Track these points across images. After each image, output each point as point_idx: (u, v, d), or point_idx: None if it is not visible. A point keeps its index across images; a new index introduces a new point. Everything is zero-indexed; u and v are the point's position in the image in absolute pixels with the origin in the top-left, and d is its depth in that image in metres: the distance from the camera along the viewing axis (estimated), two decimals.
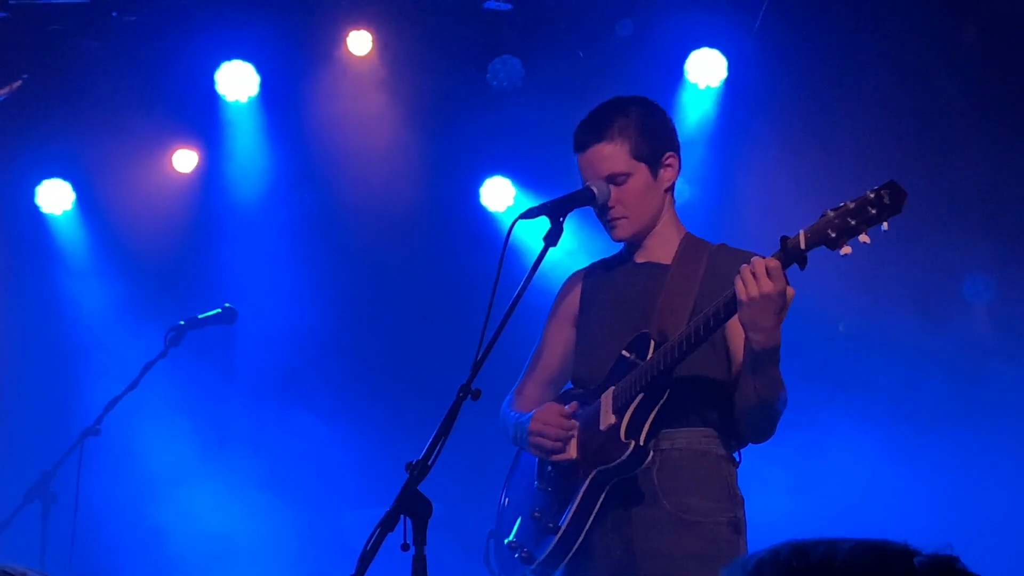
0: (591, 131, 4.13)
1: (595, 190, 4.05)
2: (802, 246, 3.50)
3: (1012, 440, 7.14)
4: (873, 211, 3.40)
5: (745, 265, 3.57)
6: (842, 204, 3.47)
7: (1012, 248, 7.50)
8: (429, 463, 3.38)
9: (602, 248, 4.45)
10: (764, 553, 1.71)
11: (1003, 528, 6.95)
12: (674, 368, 3.87)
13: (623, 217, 4.09)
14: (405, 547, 3.27)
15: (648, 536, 3.94)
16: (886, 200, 3.39)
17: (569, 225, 3.99)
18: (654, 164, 4.12)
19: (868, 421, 7.28)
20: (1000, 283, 7.53)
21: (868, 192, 3.43)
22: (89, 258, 8.24)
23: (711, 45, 7.71)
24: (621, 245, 4.29)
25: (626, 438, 3.91)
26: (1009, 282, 7.48)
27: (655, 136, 4.14)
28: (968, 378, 7.27)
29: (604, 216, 4.11)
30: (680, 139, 4.28)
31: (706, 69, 7.71)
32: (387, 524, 3.29)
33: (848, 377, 7.36)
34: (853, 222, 3.42)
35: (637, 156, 4.08)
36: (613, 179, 4.08)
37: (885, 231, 3.43)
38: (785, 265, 3.54)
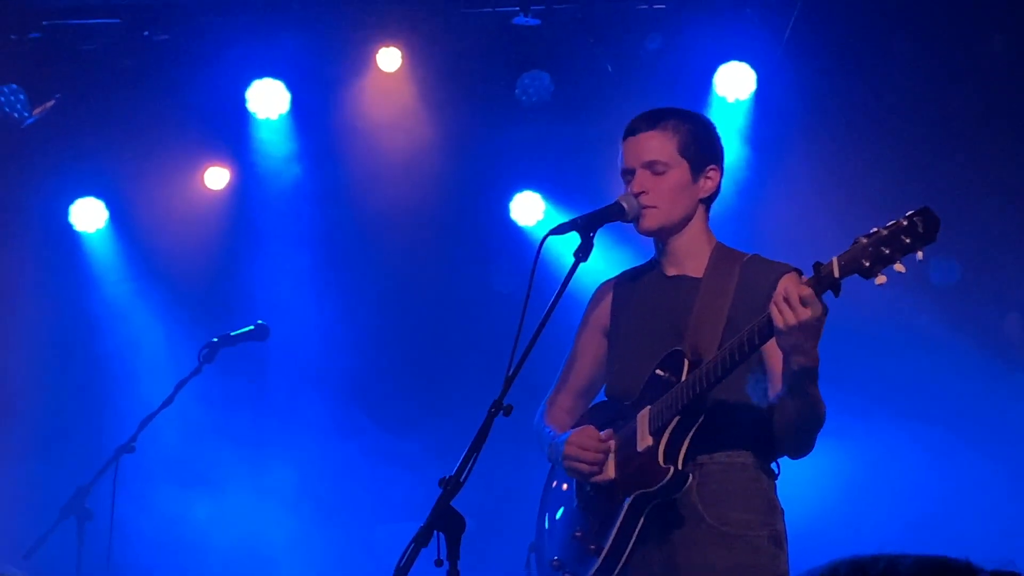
0: (646, 120, 4.17)
1: (625, 205, 4.06)
2: (836, 274, 3.45)
3: None
4: (907, 240, 3.34)
5: (779, 293, 3.54)
6: (875, 230, 3.40)
7: None
8: (462, 479, 3.39)
9: (633, 261, 4.44)
10: (823, 569, 1.69)
11: None
12: (710, 391, 3.87)
13: (653, 207, 4.08)
14: (439, 563, 3.29)
15: (691, 551, 3.94)
16: (920, 228, 3.33)
17: (599, 240, 3.99)
18: (697, 169, 4.13)
19: (910, 429, 7.25)
20: None
21: (901, 219, 3.37)
22: (122, 276, 8.29)
23: (740, 58, 7.71)
24: (652, 253, 4.28)
25: (665, 463, 3.90)
26: None
27: (705, 145, 4.17)
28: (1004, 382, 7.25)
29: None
30: None
31: (735, 82, 7.72)
32: (421, 539, 3.30)
33: (891, 383, 7.33)
34: (887, 251, 3.36)
35: (683, 154, 4.11)
36: (653, 166, 4.09)
37: (921, 260, 3.37)
38: (819, 293, 3.50)
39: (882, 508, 7.19)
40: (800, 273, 3.95)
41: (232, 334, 6.41)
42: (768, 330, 3.60)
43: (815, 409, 3.81)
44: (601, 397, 4.38)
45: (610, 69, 7.89)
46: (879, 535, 6.73)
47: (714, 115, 7.52)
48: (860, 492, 7.28)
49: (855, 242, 3.44)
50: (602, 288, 4.42)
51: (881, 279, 3.40)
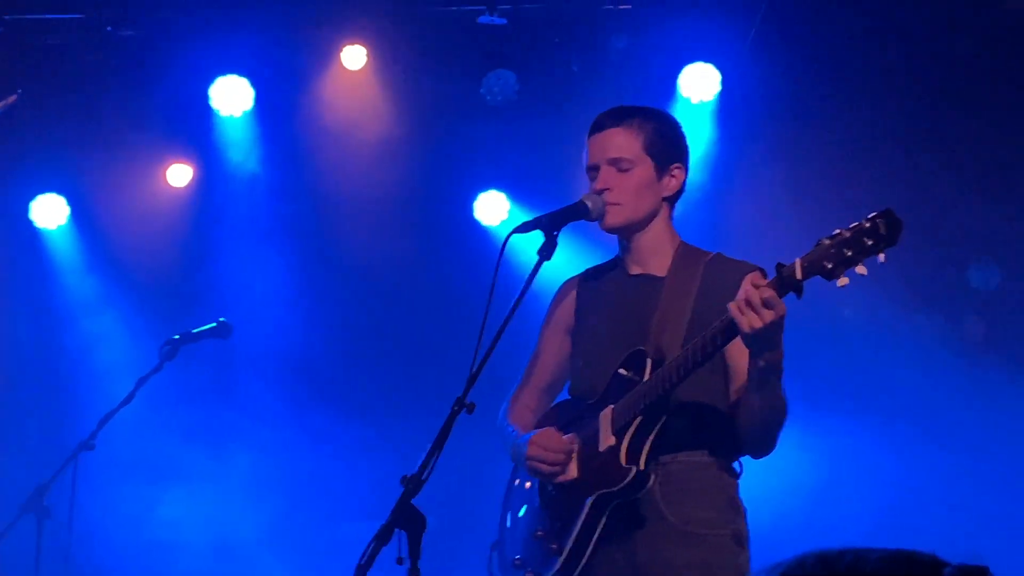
0: (612, 116, 4.17)
1: (589, 204, 4.05)
2: (798, 276, 3.46)
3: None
4: (869, 242, 3.35)
5: (740, 297, 3.53)
6: (837, 232, 3.41)
7: (1004, 260, 7.55)
8: (424, 477, 3.39)
9: (597, 260, 4.44)
10: (789, 562, 1.68)
11: (1019, 532, 6.96)
12: (672, 391, 3.87)
13: (617, 204, 4.07)
14: (400, 561, 3.28)
15: (653, 550, 3.93)
16: (882, 230, 3.33)
17: (563, 239, 3.98)
18: (661, 167, 4.13)
19: (874, 425, 7.30)
20: (993, 294, 7.58)
21: (863, 220, 3.37)
22: (83, 273, 8.24)
23: (705, 59, 7.73)
24: (616, 252, 4.28)
25: (627, 463, 3.90)
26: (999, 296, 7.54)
27: (670, 143, 4.17)
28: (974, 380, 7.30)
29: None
30: None
31: (700, 83, 7.74)
32: (382, 538, 3.29)
33: (854, 379, 7.37)
34: (849, 253, 3.37)
35: (648, 151, 4.10)
36: (618, 163, 4.08)
37: (882, 263, 3.38)
38: (782, 294, 3.50)
39: (847, 504, 7.22)
40: (764, 272, 3.95)
41: (194, 331, 6.38)
42: (731, 331, 3.60)
43: (778, 407, 3.82)
44: (565, 395, 4.38)
45: (576, 69, 7.90)
46: (844, 531, 6.76)
47: (679, 115, 7.49)
48: (825, 489, 7.32)
49: (818, 244, 3.44)
50: (566, 286, 4.42)
51: (843, 281, 3.40)
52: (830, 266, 3.39)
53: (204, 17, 7.79)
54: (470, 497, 6.69)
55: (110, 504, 7.62)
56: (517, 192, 8.08)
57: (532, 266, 3.84)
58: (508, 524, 4.34)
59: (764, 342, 3.58)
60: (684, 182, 4.20)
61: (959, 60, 7.54)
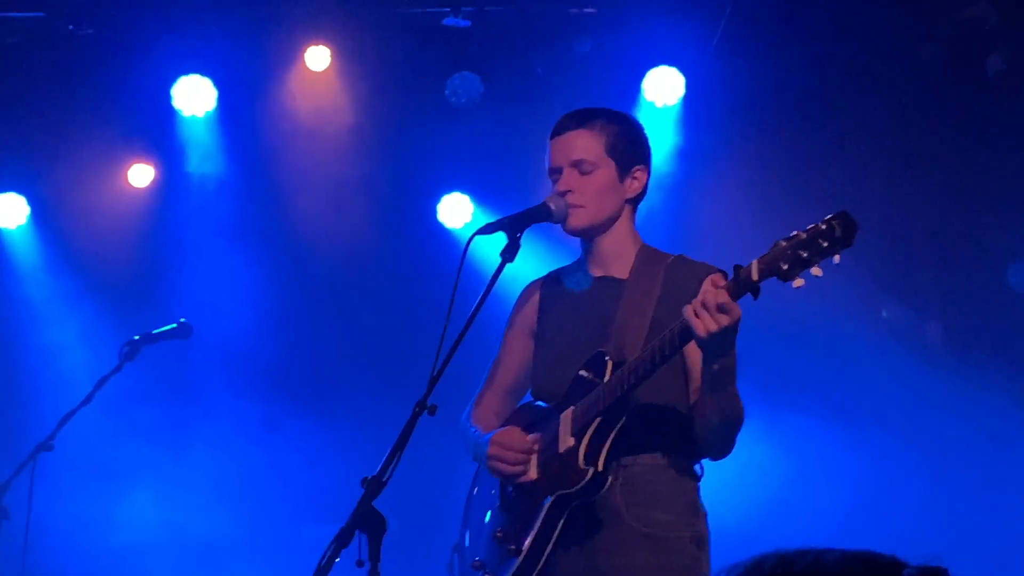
0: (574, 119, 4.17)
1: (552, 206, 4.05)
2: (754, 278, 3.47)
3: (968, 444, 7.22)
4: (825, 243, 3.36)
5: (696, 300, 3.54)
6: (794, 234, 3.41)
7: (961, 264, 7.61)
8: (384, 479, 3.38)
9: (560, 263, 4.44)
10: (747, 563, 1.68)
11: (979, 533, 6.99)
12: (631, 393, 3.87)
13: (580, 206, 4.08)
14: (360, 563, 3.27)
15: (612, 552, 3.93)
16: (837, 232, 3.35)
17: (526, 242, 3.98)
18: (623, 169, 4.13)
19: (836, 427, 7.33)
20: (949, 300, 7.63)
21: (820, 222, 3.38)
22: (44, 273, 8.19)
23: (669, 63, 7.75)
24: (578, 254, 4.28)
25: (585, 464, 3.90)
26: (958, 300, 7.59)
27: (632, 145, 4.17)
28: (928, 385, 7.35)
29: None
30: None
31: (664, 87, 7.75)
32: (342, 540, 3.28)
33: (817, 381, 7.40)
34: (805, 254, 3.38)
35: (610, 153, 4.11)
36: (580, 165, 4.09)
37: (837, 263, 3.39)
38: (738, 296, 3.51)
39: (812, 506, 7.24)
40: (725, 275, 3.96)
41: (154, 332, 6.34)
42: (687, 334, 3.61)
43: (734, 409, 3.84)
44: (529, 398, 4.37)
45: (540, 72, 7.90)
46: (809, 532, 6.75)
47: (643, 119, 7.49)
48: (789, 490, 7.33)
49: (775, 245, 3.45)
50: (529, 288, 4.42)
51: (799, 282, 3.42)
52: (786, 267, 3.41)
53: (167, 16, 7.75)
54: (431, 499, 6.69)
55: (69, 505, 7.56)
56: (481, 194, 8.07)
57: (495, 268, 3.84)
58: (469, 526, 4.34)
59: (718, 346, 3.60)
60: (646, 185, 4.21)
61: (920, 65, 7.60)
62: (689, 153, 7.77)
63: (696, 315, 3.53)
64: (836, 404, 7.39)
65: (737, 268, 3.52)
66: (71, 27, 7.78)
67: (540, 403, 4.23)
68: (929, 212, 7.59)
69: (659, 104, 7.76)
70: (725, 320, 3.50)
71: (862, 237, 3.38)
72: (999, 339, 7.50)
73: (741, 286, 3.50)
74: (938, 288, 7.68)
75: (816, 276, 3.40)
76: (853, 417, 7.39)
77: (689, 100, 7.77)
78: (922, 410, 7.33)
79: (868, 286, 7.32)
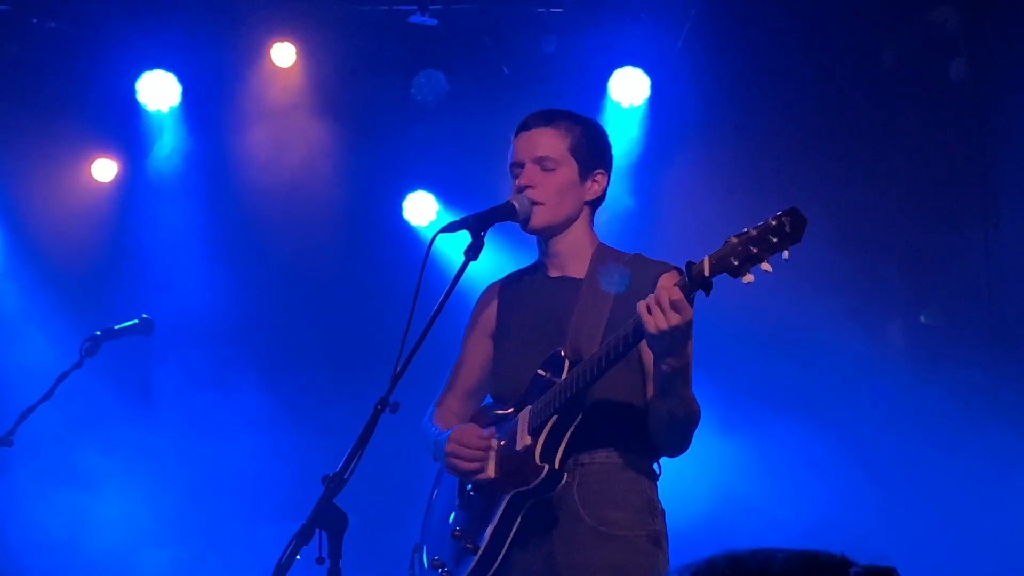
0: (540, 117, 4.21)
1: (516, 205, 4.07)
2: (706, 273, 3.49)
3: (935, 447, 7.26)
4: (774, 239, 3.38)
5: (649, 298, 3.56)
6: (745, 230, 3.44)
7: (923, 268, 7.66)
8: (345, 476, 3.38)
9: (523, 262, 4.45)
10: (700, 563, 1.70)
11: (939, 535, 7.03)
12: (587, 390, 3.88)
13: (540, 203, 4.10)
14: (320, 560, 3.27)
15: (569, 550, 3.94)
16: (787, 228, 3.37)
17: (491, 241, 3.99)
18: (585, 170, 4.16)
19: (797, 428, 7.34)
20: (914, 300, 7.68)
21: (770, 219, 3.40)
22: (5, 266, 8.14)
23: (635, 64, 7.77)
24: (536, 256, 4.30)
25: (541, 461, 3.91)
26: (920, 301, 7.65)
27: (595, 148, 4.21)
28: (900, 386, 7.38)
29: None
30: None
31: (630, 88, 7.77)
32: (303, 537, 3.28)
33: (778, 381, 7.42)
34: (755, 250, 3.40)
35: (572, 153, 4.14)
36: (543, 162, 4.11)
37: (786, 259, 3.41)
38: (690, 292, 3.53)
39: (771, 506, 7.26)
40: (681, 272, 3.97)
41: (116, 328, 6.29)
42: (641, 331, 3.62)
43: (688, 409, 3.86)
44: (490, 399, 4.38)
45: (506, 71, 7.91)
46: (768, 533, 6.80)
47: (609, 120, 7.58)
48: (748, 491, 7.35)
49: (726, 242, 3.48)
50: (488, 291, 4.43)
51: (749, 278, 3.44)
52: (736, 263, 3.43)
53: (132, 10, 7.71)
54: (393, 497, 6.69)
55: (26, 501, 7.52)
56: (446, 193, 8.07)
57: (459, 266, 3.85)
58: (430, 525, 4.34)
59: (669, 344, 3.60)
60: (606, 189, 4.24)
61: (884, 67, 7.65)
62: (654, 153, 7.78)
63: (649, 311, 3.55)
64: (801, 403, 7.40)
65: (689, 264, 3.54)
66: (35, 20, 7.73)
67: (500, 404, 4.24)
68: (894, 211, 7.63)
69: (625, 104, 7.77)
70: (676, 318, 3.51)
71: (811, 233, 3.40)
72: (966, 341, 7.53)
73: (694, 282, 3.52)
74: (903, 289, 7.72)
75: (766, 272, 3.43)
76: (816, 416, 7.40)
77: (654, 101, 7.79)
78: (883, 410, 7.37)
79: (821, 280, 7.33)
